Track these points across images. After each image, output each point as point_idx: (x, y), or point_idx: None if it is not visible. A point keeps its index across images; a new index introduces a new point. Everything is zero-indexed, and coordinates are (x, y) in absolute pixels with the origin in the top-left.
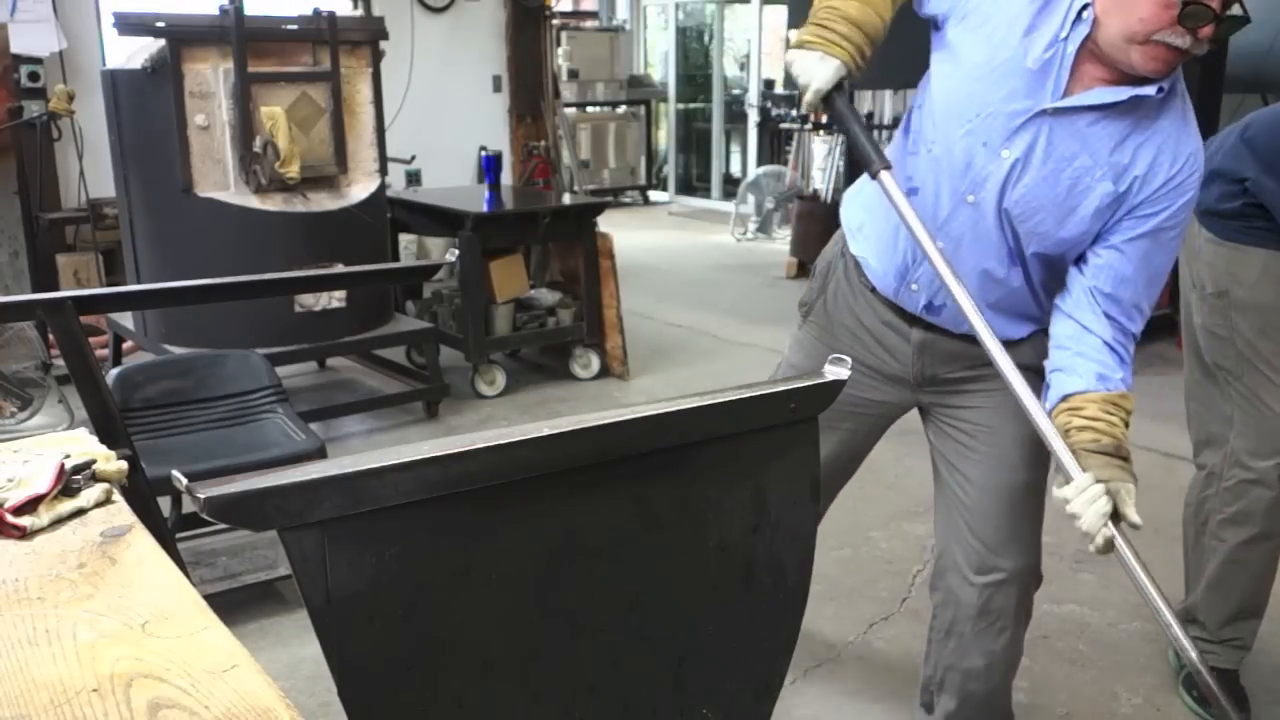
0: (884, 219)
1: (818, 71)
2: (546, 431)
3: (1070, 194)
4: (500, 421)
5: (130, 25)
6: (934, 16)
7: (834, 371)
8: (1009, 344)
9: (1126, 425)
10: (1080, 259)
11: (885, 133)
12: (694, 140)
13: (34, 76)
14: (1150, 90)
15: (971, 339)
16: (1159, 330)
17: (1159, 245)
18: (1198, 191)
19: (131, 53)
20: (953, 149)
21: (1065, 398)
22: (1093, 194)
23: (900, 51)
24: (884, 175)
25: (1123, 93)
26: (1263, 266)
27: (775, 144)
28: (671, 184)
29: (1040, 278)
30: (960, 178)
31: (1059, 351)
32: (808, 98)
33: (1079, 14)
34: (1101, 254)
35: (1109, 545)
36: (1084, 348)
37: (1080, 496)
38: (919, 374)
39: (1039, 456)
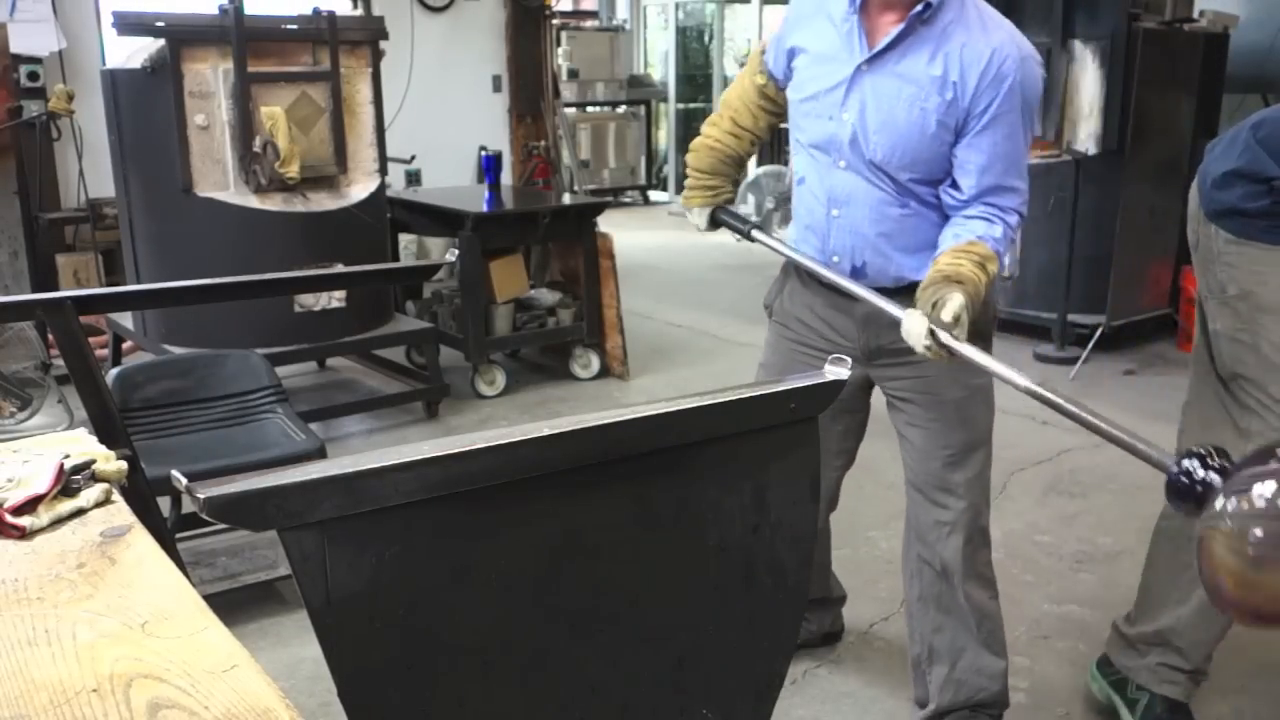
0: (802, 219)
1: (695, 220)
2: (546, 431)
3: (912, 123)
4: (500, 421)
5: (130, 25)
6: (786, 74)
7: (834, 372)
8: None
9: (981, 267)
10: (950, 169)
11: None
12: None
13: (34, 76)
14: (918, 8)
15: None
16: (1159, 330)
17: (1003, 131)
18: (1018, 75)
19: (131, 52)
20: (812, 133)
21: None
22: (929, 113)
23: None
24: (755, 233)
25: (904, 22)
26: None
27: (775, 144)
28: (671, 184)
29: (929, 198)
30: (826, 153)
31: (941, 242)
32: (700, 230)
33: None
34: (959, 155)
35: (936, 344)
36: (958, 229)
37: (905, 326)
38: (866, 346)
39: (979, 417)
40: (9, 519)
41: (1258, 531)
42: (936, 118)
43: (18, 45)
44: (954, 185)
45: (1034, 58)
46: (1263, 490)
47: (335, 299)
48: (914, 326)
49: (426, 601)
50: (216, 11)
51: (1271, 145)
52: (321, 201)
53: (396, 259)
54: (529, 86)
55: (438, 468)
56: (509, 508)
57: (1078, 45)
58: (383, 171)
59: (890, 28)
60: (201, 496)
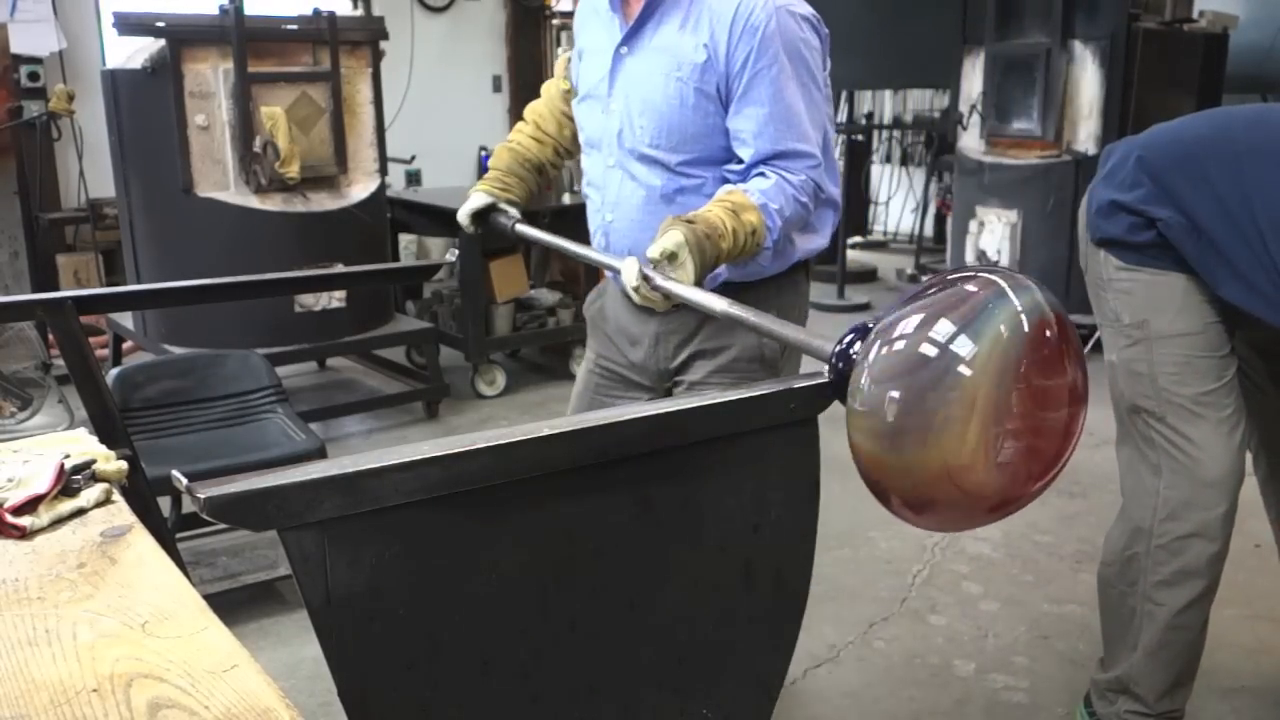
0: (591, 221)
1: (464, 207)
2: (546, 431)
3: (669, 97)
4: (500, 421)
5: (130, 25)
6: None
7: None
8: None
9: (733, 214)
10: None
11: (885, 132)
12: None
13: (34, 76)
14: None
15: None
16: None
17: (768, 91)
18: (773, 24)
19: (131, 53)
20: (588, 130)
21: None
22: (686, 83)
23: (899, 53)
24: (518, 227)
25: None
26: (1184, 292)
27: None
28: None
29: (712, 186)
30: (598, 150)
31: None
32: (462, 223)
33: None
34: (731, 127)
35: (642, 283)
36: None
37: (622, 273)
38: (663, 356)
39: None
40: (9, 519)
41: (892, 394)
42: (694, 86)
43: (18, 45)
44: (737, 163)
45: (790, 8)
46: (886, 344)
47: (335, 299)
48: (626, 270)
49: (426, 601)
50: (216, 11)
51: (1158, 182)
52: (321, 201)
53: (396, 259)
54: (529, 86)
55: (438, 468)
56: (509, 508)
57: (1078, 45)
58: (383, 171)
59: (641, 3)
60: (201, 496)
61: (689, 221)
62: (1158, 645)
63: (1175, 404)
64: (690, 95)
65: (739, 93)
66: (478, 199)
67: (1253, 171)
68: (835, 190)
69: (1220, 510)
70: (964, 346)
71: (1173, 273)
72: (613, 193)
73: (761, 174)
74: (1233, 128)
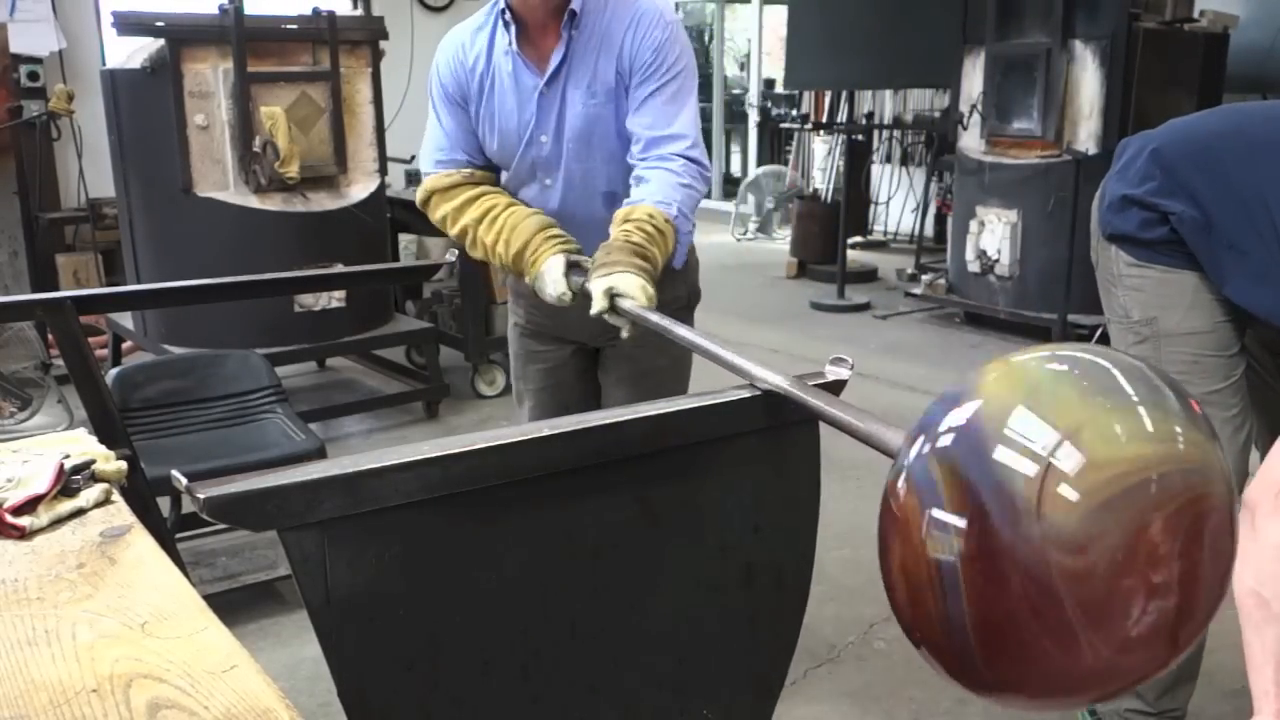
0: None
1: (551, 280)
2: (546, 432)
3: (598, 118)
4: (500, 421)
5: (129, 25)
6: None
7: (834, 371)
8: None
9: (660, 234)
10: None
11: (885, 132)
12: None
13: (34, 76)
14: (569, 9)
15: None
16: None
17: (671, 90)
18: (669, 28)
19: (131, 52)
20: (521, 174)
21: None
22: (610, 100)
23: (899, 53)
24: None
25: (561, 34)
26: (1194, 290)
27: (775, 144)
28: None
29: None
30: (538, 181)
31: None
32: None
33: (501, 18)
34: (634, 123)
35: (603, 305)
36: (639, 192)
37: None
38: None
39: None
40: (9, 519)
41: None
42: (616, 99)
43: (18, 45)
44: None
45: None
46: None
47: (335, 299)
48: (597, 299)
49: (426, 601)
50: (216, 11)
51: (1172, 175)
52: (321, 201)
53: (396, 259)
54: None
55: (438, 468)
56: (509, 508)
57: (1078, 45)
58: (383, 171)
59: (552, 42)
60: (201, 496)
61: (640, 259)
62: None
63: None
64: (614, 105)
65: (645, 90)
66: (557, 264)
67: (1268, 165)
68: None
69: None
70: None
71: (1183, 270)
72: (576, 208)
73: (654, 168)
74: (1248, 122)
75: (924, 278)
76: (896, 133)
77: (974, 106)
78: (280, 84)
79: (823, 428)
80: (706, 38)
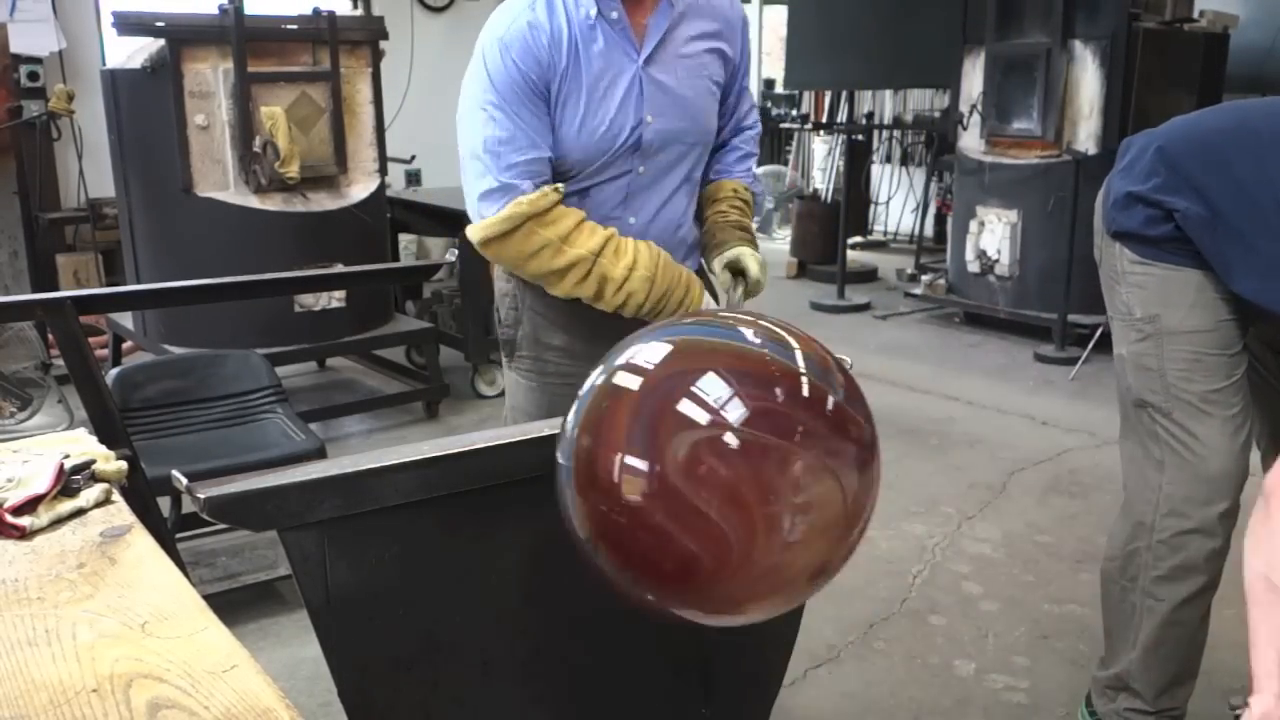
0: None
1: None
2: (546, 432)
3: (703, 95)
4: (500, 421)
5: (130, 25)
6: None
7: None
8: None
9: (747, 205)
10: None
11: (885, 132)
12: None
13: (34, 76)
14: None
15: None
16: None
17: (743, 66)
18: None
19: (131, 52)
20: (600, 175)
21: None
22: (713, 79)
23: (899, 53)
24: None
25: (663, 9)
26: (1197, 288)
27: (775, 144)
28: None
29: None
30: (625, 179)
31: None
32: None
33: None
34: (726, 106)
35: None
36: (720, 165)
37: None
38: None
39: None
40: (9, 519)
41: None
42: (722, 78)
43: (18, 45)
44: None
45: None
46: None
47: (335, 299)
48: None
49: (426, 601)
50: (216, 11)
51: (1177, 171)
52: (321, 201)
53: (396, 259)
54: None
55: (438, 468)
56: (509, 508)
57: (1078, 45)
58: (383, 171)
59: (648, 18)
60: (201, 496)
61: (747, 236)
62: (1156, 641)
63: (1182, 400)
64: (715, 83)
65: (734, 74)
66: (695, 281)
67: (1276, 159)
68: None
69: (1222, 507)
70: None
71: (1187, 268)
72: (664, 210)
73: (748, 154)
74: (1251, 117)
75: (924, 278)
76: (896, 133)
77: (974, 106)
78: (280, 84)
79: None
80: None
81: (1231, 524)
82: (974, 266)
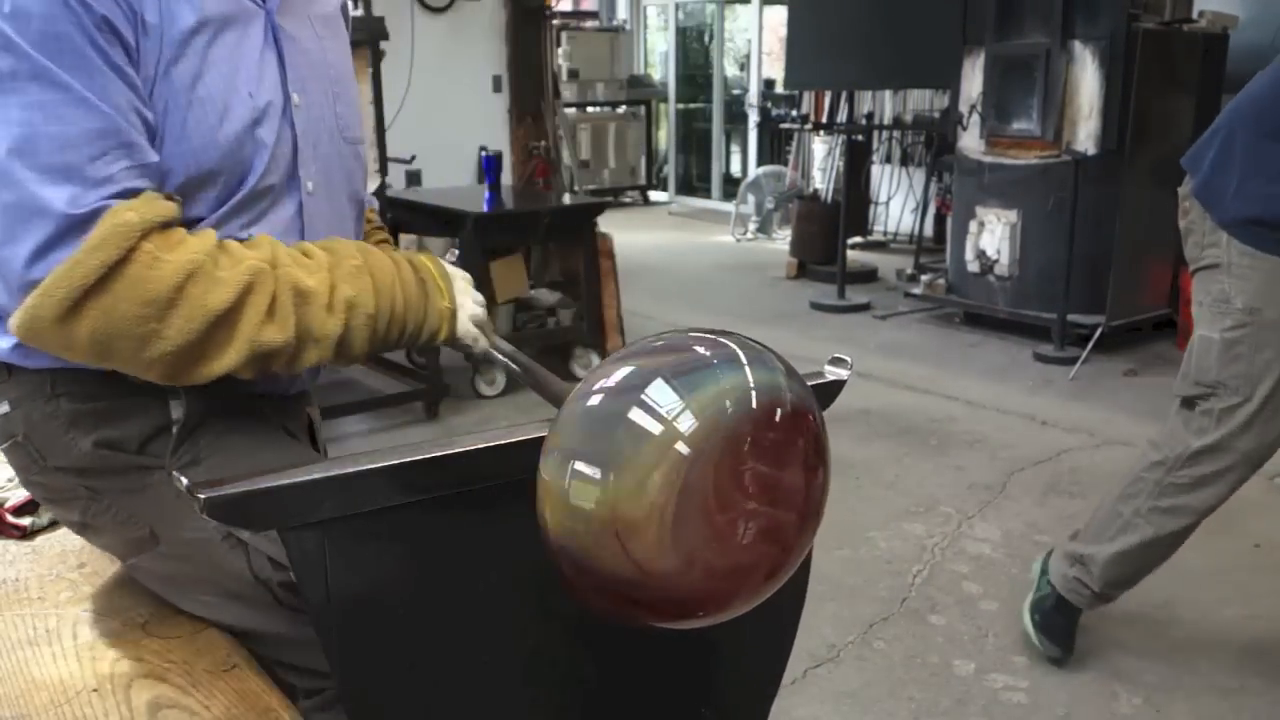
0: None
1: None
2: (546, 431)
3: (352, 73)
4: (500, 421)
5: None
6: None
7: (833, 372)
8: None
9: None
10: None
11: (885, 132)
12: (694, 140)
13: None
14: None
15: None
16: (1159, 330)
17: None
18: None
19: None
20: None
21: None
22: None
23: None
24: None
25: None
26: None
27: (775, 144)
28: (671, 184)
29: None
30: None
31: None
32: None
33: None
34: None
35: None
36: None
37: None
38: None
39: None
40: (10, 519)
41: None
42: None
43: None
44: None
45: None
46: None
47: None
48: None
49: (426, 601)
50: None
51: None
52: None
53: None
54: (529, 87)
55: (438, 468)
56: (509, 508)
57: (1077, 45)
58: (383, 171)
59: None
60: (202, 497)
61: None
62: (1127, 552)
63: (1260, 394)
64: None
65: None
66: (458, 273)
67: None
68: None
69: (1242, 474)
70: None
71: None
72: (331, 219)
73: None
74: None
75: (923, 278)
76: (896, 133)
77: (974, 107)
78: None
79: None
80: (706, 38)
81: (1239, 485)
82: (974, 266)
